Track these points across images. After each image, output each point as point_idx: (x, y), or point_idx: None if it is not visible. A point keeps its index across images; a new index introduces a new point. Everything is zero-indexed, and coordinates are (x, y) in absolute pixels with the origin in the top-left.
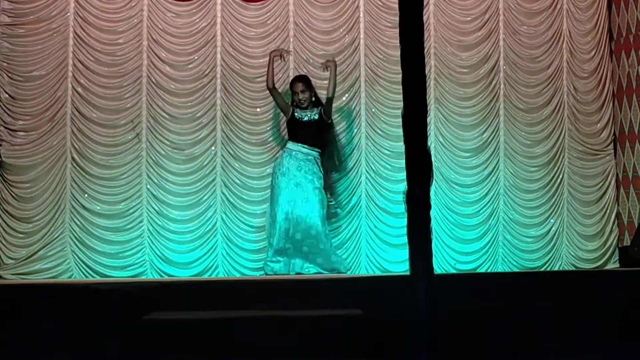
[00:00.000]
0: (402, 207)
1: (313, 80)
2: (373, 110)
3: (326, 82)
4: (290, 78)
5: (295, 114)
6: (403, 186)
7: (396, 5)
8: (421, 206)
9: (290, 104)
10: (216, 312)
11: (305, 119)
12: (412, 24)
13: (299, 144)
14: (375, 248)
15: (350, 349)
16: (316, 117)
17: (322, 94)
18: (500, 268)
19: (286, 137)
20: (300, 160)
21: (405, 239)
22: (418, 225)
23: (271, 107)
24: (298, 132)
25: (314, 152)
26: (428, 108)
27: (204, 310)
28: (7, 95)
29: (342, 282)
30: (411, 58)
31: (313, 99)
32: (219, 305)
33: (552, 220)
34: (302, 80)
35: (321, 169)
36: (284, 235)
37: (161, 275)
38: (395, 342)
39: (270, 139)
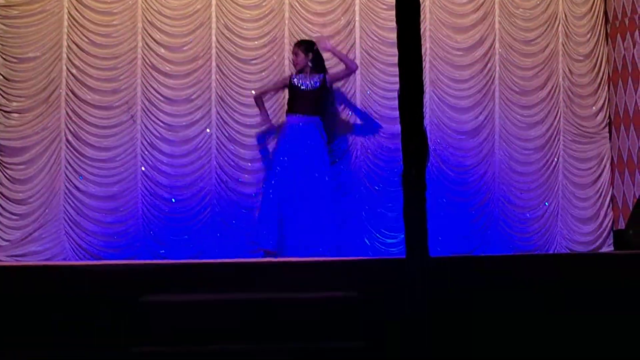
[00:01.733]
0: (399, 189)
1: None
2: (367, 92)
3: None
4: (287, 68)
5: (294, 80)
6: (399, 168)
7: None
8: (417, 187)
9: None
10: (210, 295)
11: (303, 87)
12: (409, 5)
13: (297, 115)
14: (374, 230)
15: (346, 331)
16: (317, 84)
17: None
18: (494, 251)
19: (282, 114)
20: (301, 131)
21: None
22: (414, 205)
23: None
24: (297, 101)
25: (314, 119)
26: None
27: (199, 292)
28: (1, 77)
29: (338, 265)
30: (407, 39)
31: (310, 64)
32: (214, 287)
33: (546, 204)
34: (298, 44)
35: (324, 135)
36: (276, 207)
37: (156, 257)
38: (392, 324)
39: None
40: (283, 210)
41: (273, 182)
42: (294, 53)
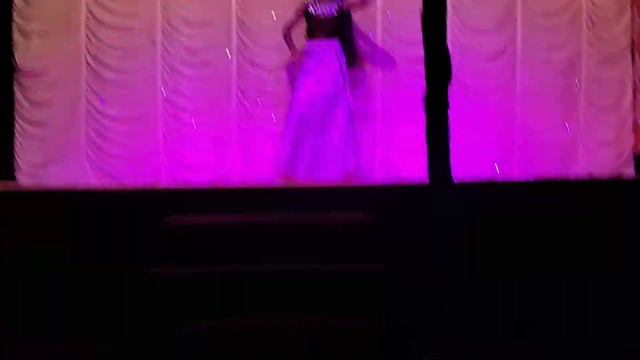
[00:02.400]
0: (419, 114)
1: None
2: (388, 13)
3: None
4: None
5: (309, 8)
6: (419, 92)
7: None
8: (439, 108)
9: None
10: (229, 216)
11: (320, 13)
12: None
13: (314, 39)
14: (391, 156)
15: (366, 253)
16: (333, 11)
17: None
18: (516, 175)
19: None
20: (319, 56)
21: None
22: (436, 127)
23: (287, 11)
24: (314, 28)
25: (332, 43)
26: None
27: (219, 215)
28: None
29: (358, 190)
30: None
31: None
32: (234, 210)
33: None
34: None
35: (343, 58)
36: (298, 122)
37: (176, 180)
38: (414, 248)
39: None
40: (300, 132)
41: (294, 107)
42: None
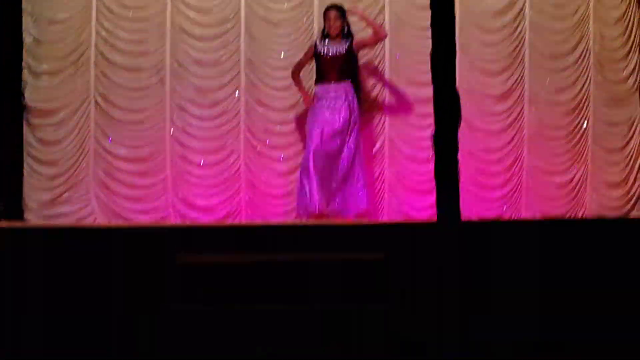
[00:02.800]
0: (427, 154)
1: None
2: (397, 56)
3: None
4: (315, 35)
5: (319, 47)
6: (427, 133)
7: None
8: (449, 149)
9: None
10: (237, 256)
11: (331, 53)
12: None
13: (325, 83)
14: (398, 195)
15: (375, 293)
16: (343, 50)
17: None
18: (523, 215)
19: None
20: (331, 98)
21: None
22: (445, 167)
23: (296, 51)
24: (324, 69)
25: (343, 85)
26: None
27: (226, 254)
28: (31, 39)
29: (367, 228)
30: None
31: (345, 30)
32: (242, 249)
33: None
34: (335, 8)
35: (355, 99)
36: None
37: (184, 220)
38: (422, 287)
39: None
40: (314, 174)
41: (309, 151)
42: (332, 18)
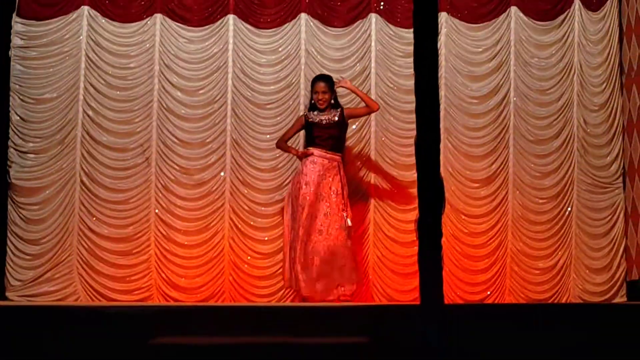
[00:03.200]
0: (411, 237)
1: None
2: (382, 138)
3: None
4: (301, 110)
5: (310, 117)
6: (412, 215)
7: (407, 35)
8: (433, 234)
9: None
10: (221, 338)
11: (325, 121)
12: (428, 53)
13: (321, 149)
14: (382, 276)
15: None
16: (336, 119)
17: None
18: (507, 300)
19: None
20: (325, 167)
21: (413, 268)
22: (429, 253)
23: (281, 133)
24: (317, 137)
25: (336, 157)
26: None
27: (209, 336)
28: (18, 117)
29: (350, 311)
30: (425, 86)
31: (332, 101)
32: (224, 331)
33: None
34: (325, 79)
35: (344, 175)
36: (303, 250)
37: (167, 300)
38: None
39: (280, 165)
40: (301, 251)
41: (297, 225)
42: (320, 91)
